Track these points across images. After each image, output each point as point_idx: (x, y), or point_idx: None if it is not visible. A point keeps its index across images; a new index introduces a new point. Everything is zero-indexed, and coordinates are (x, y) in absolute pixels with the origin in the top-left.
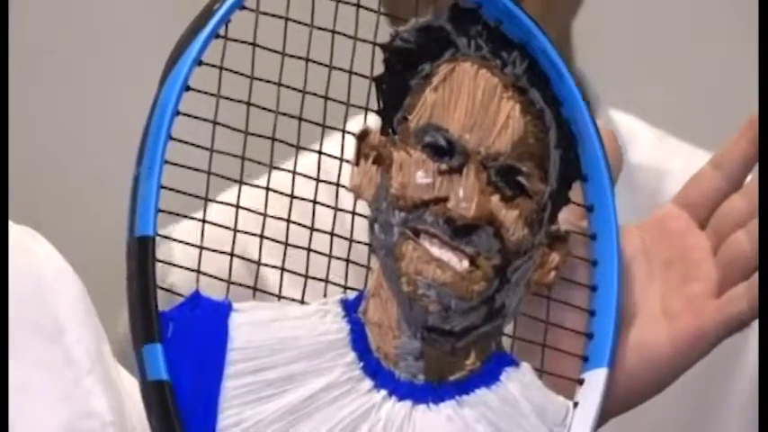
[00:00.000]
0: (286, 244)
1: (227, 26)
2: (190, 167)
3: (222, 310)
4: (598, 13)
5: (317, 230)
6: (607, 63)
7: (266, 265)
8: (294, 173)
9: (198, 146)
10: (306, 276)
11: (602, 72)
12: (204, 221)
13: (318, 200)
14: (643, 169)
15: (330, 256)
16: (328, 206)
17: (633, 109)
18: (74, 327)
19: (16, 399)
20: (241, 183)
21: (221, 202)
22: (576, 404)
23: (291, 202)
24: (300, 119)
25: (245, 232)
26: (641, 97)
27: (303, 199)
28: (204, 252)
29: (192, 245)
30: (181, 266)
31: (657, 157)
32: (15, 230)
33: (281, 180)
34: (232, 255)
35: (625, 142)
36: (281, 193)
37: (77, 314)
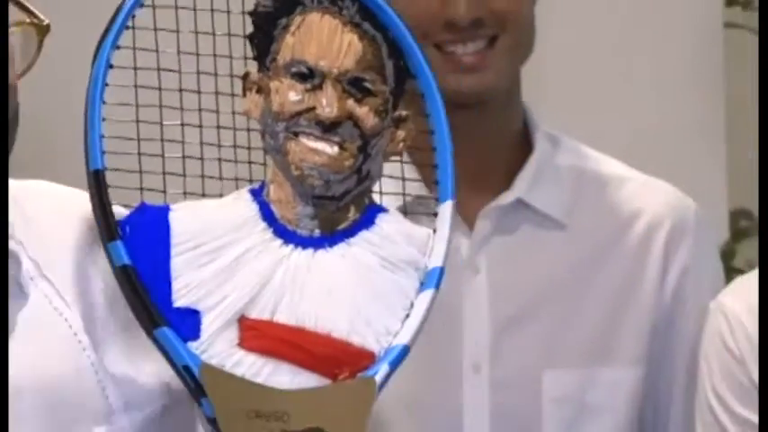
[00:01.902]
0: (202, 159)
1: (133, 18)
2: (119, 120)
3: (163, 211)
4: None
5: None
6: (551, 93)
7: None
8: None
9: (124, 104)
10: (221, 179)
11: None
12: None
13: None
14: (567, 170)
15: (236, 162)
16: (231, 128)
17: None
18: None
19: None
20: (162, 125)
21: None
22: (434, 231)
23: (201, 130)
24: (198, 73)
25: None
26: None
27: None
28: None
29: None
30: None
31: (576, 161)
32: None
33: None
34: (164, 173)
35: (555, 149)
36: (197, 125)
37: None
